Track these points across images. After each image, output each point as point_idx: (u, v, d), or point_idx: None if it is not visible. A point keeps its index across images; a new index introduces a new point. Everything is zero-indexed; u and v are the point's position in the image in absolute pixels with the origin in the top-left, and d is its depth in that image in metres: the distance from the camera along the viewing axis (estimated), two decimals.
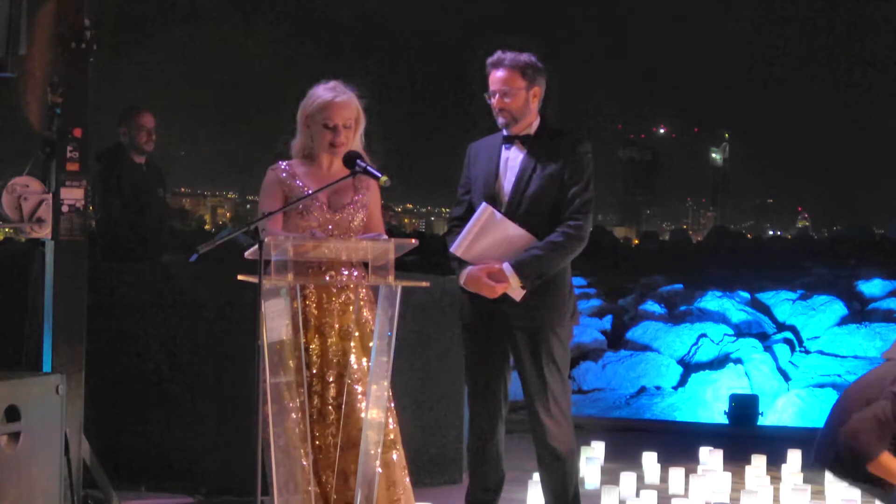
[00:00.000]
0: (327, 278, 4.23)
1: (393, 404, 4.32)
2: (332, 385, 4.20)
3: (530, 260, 4.49)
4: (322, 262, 4.20)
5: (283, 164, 4.39)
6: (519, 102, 4.59)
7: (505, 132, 4.66)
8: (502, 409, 4.70)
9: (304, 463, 4.10)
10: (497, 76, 4.60)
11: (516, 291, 4.50)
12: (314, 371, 4.21)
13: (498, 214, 4.53)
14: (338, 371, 4.21)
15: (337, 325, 4.24)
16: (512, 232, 4.52)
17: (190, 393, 5.96)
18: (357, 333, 4.25)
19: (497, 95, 4.59)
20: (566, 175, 4.55)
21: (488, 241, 4.54)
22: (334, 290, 4.26)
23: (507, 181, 4.61)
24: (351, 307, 4.26)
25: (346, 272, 4.25)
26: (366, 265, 4.12)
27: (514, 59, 4.60)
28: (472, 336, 4.69)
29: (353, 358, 4.23)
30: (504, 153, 4.65)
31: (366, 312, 4.30)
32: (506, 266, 4.49)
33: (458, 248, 4.58)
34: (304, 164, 4.39)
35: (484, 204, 4.55)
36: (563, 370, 4.61)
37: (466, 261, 4.59)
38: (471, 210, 4.66)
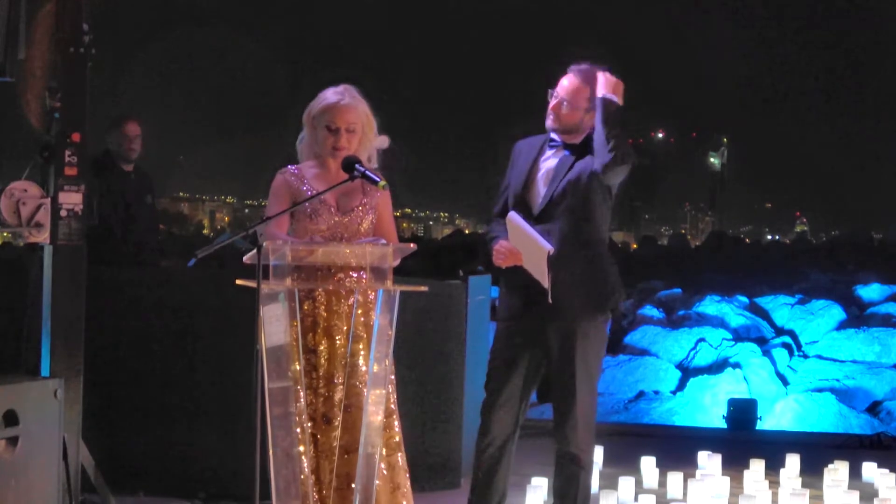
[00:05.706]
0: (336, 281, 4.22)
1: (396, 407, 4.31)
2: (340, 388, 4.19)
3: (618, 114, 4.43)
4: (331, 265, 4.20)
5: (293, 168, 4.38)
6: (574, 119, 4.58)
7: (551, 135, 4.64)
8: (519, 418, 4.66)
9: (305, 468, 4.09)
10: (567, 85, 4.58)
11: None
12: (321, 373, 4.20)
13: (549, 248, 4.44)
14: (346, 374, 4.19)
15: (345, 328, 4.23)
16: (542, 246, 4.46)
17: (189, 397, 5.96)
18: (365, 336, 4.24)
19: (557, 100, 4.58)
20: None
21: (524, 247, 4.50)
22: (343, 293, 4.25)
23: (542, 185, 4.58)
24: (360, 310, 4.25)
25: (354, 275, 4.23)
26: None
27: (591, 77, 4.54)
28: (504, 339, 4.63)
29: (360, 360, 4.22)
30: (543, 161, 4.62)
31: (374, 315, 4.28)
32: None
33: (518, 220, 4.49)
34: (314, 167, 4.38)
35: (551, 247, 4.42)
36: (596, 375, 4.57)
37: (508, 229, 4.52)
38: (506, 208, 4.64)
